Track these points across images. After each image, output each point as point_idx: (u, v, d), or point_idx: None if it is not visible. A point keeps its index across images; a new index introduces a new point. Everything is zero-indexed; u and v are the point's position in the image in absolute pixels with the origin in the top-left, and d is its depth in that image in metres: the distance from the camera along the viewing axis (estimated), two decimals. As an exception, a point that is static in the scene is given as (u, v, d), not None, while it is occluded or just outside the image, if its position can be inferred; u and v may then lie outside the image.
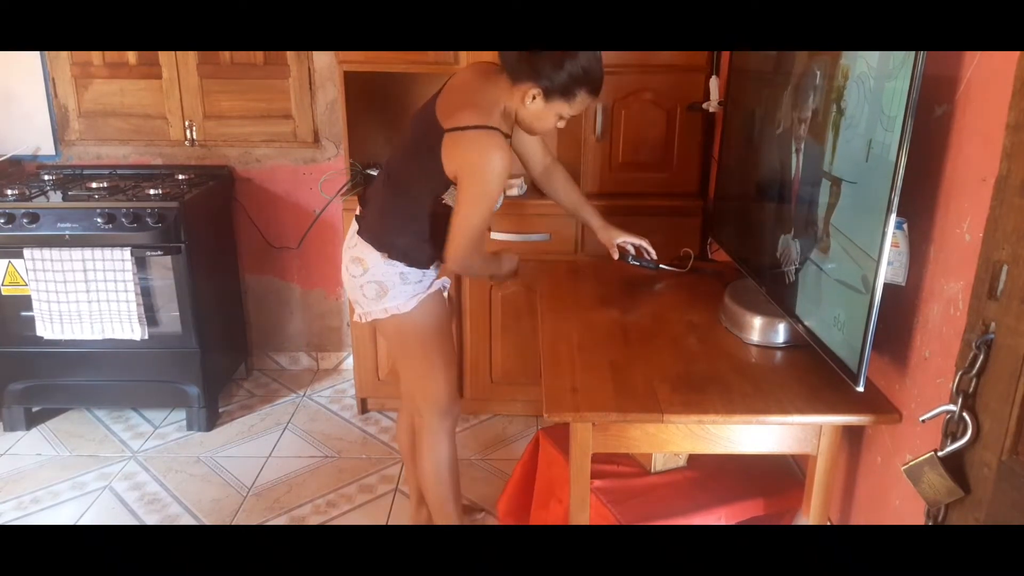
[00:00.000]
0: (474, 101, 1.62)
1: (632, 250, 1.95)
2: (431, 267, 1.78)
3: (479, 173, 1.58)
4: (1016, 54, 0.94)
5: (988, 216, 1.00)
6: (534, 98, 1.58)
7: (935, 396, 1.16)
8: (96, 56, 2.81)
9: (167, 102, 2.85)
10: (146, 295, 2.53)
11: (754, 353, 1.50)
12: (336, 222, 2.96)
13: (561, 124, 1.67)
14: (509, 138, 1.66)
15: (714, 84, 2.30)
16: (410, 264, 1.73)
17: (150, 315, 2.55)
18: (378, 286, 1.73)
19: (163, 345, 2.60)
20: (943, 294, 1.16)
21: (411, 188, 1.71)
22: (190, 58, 2.79)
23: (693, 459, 1.69)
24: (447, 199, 1.67)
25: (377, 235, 1.73)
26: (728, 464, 1.67)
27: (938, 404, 1.06)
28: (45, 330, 2.51)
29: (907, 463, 1.08)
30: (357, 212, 1.82)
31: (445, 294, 1.87)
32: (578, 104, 1.61)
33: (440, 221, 1.68)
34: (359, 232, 1.76)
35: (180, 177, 2.78)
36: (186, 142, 2.90)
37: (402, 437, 2.08)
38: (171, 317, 2.58)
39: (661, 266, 1.93)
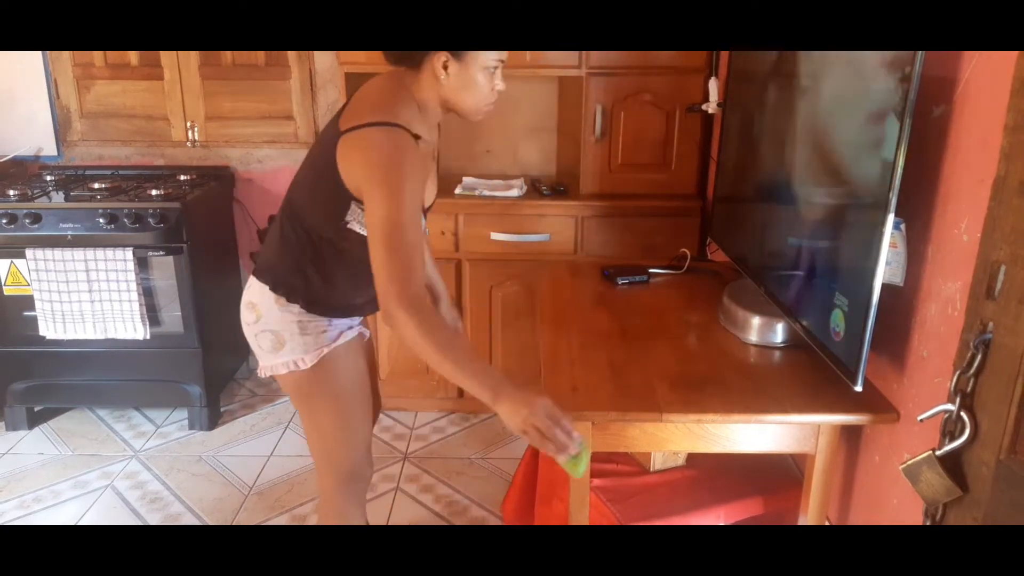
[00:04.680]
0: (375, 102, 1.37)
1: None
2: (340, 317, 1.51)
3: (383, 169, 1.27)
4: (1014, 54, 0.94)
5: (986, 216, 1.00)
6: (446, 66, 1.33)
7: (933, 395, 1.17)
8: (98, 57, 2.82)
9: (169, 103, 2.86)
10: (148, 295, 2.54)
11: (753, 353, 1.50)
12: (337, 222, 2.97)
13: (500, 85, 1.39)
14: (419, 139, 1.37)
15: (713, 85, 2.30)
16: (311, 311, 1.45)
17: (152, 315, 2.56)
18: (274, 336, 1.46)
19: (165, 345, 2.60)
20: (941, 294, 1.16)
21: (308, 213, 1.42)
22: (192, 59, 2.80)
23: (692, 458, 1.69)
24: (352, 222, 1.38)
25: (273, 273, 1.46)
26: (727, 463, 1.67)
27: (936, 403, 1.06)
28: (47, 330, 2.52)
29: (905, 462, 1.08)
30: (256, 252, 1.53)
31: (365, 339, 1.60)
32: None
33: (345, 254, 1.43)
34: (254, 272, 1.49)
35: (182, 178, 2.79)
36: (188, 143, 2.90)
37: None
38: (173, 317, 2.59)
39: (652, 269, 1.93)
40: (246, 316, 1.51)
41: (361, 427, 1.60)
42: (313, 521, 2.23)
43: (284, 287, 1.45)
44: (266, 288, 1.46)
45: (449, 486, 2.39)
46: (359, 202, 1.35)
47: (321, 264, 1.44)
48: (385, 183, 1.27)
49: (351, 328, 1.54)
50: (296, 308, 1.45)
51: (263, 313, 1.47)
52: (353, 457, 1.60)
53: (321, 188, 1.38)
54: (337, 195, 1.35)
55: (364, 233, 1.35)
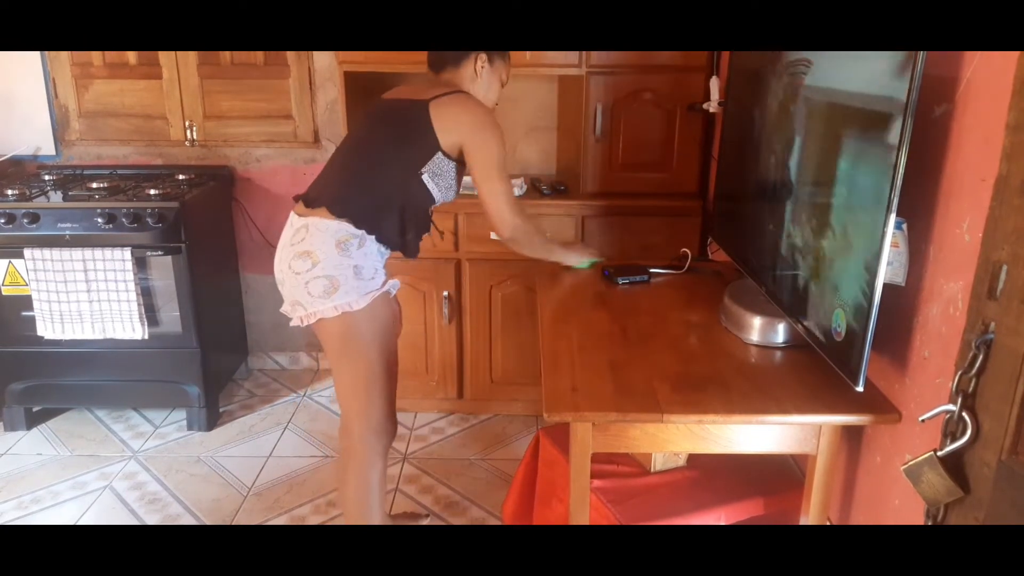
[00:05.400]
0: (439, 84, 1.73)
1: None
2: (384, 259, 1.72)
3: (488, 121, 1.67)
4: (1016, 54, 0.94)
5: (988, 216, 1.00)
6: (482, 65, 1.74)
7: (935, 396, 1.17)
8: (96, 56, 2.81)
9: (167, 102, 2.85)
10: (146, 295, 2.54)
11: (754, 353, 1.50)
12: (336, 222, 2.96)
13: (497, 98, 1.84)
14: None
15: (714, 84, 2.30)
16: (384, 242, 1.68)
17: (150, 315, 2.56)
18: (328, 281, 1.62)
19: (163, 345, 2.60)
20: (943, 294, 1.16)
21: (389, 164, 1.68)
22: (190, 58, 2.79)
23: (693, 459, 1.69)
24: (425, 174, 1.68)
25: (354, 212, 1.64)
26: (728, 464, 1.67)
27: (938, 404, 1.06)
28: (46, 330, 2.51)
29: (907, 463, 1.08)
30: (299, 210, 1.72)
31: (394, 294, 1.79)
32: (507, 63, 1.81)
33: (415, 198, 1.71)
34: (332, 211, 1.64)
35: (180, 177, 2.78)
36: (186, 142, 2.90)
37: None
38: (171, 317, 2.58)
39: (652, 269, 1.93)
40: (297, 265, 1.64)
41: (390, 378, 1.77)
42: (313, 521, 2.23)
43: (367, 223, 1.65)
44: (327, 235, 1.63)
45: (449, 486, 2.39)
46: (446, 155, 1.68)
47: (397, 201, 1.69)
48: (495, 129, 1.68)
49: (391, 280, 1.75)
50: (354, 253, 1.63)
51: (320, 259, 1.62)
52: (383, 407, 1.76)
53: (406, 145, 1.67)
54: (424, 149, 1.66)
55: (430, 186, 1.70)
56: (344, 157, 1.76)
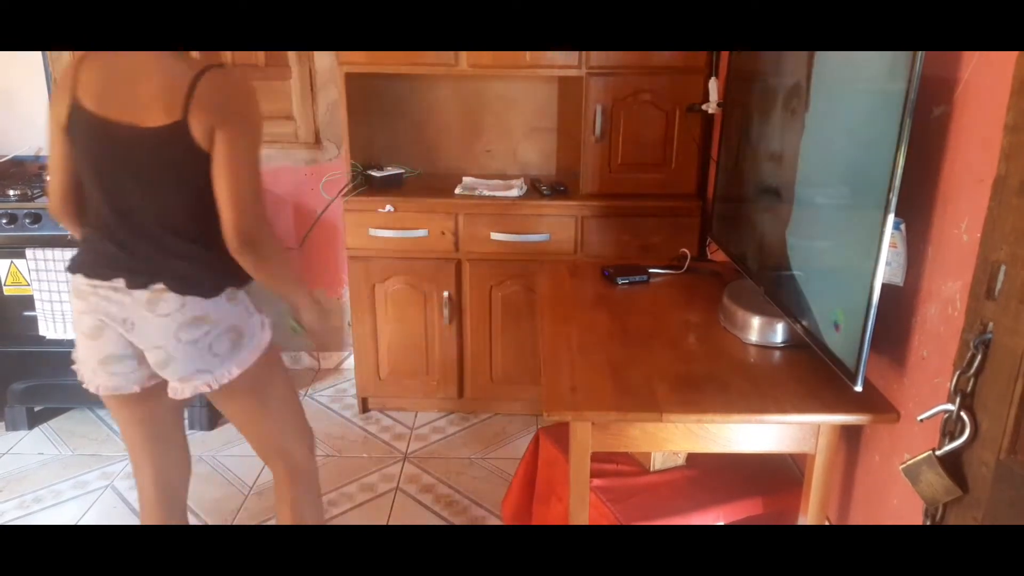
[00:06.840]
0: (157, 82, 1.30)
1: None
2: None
3: (253, 100, 1.37)
4: (1014, 54, 0.94)
5: (986, 216, 1.00)
6: None
7: (933, 396, 1.17)
8: (98, 57, 2.82)
9: (168, 103, 2.85)
10: (147, 295, 2.54)
11: (753, 353, 1.50)
12: (337, 222, 2.97)
13: None
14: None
15: (713, 85, 2.30)
16: (238, 285, 1.47)
17: (151, 315, 2.56)
18: (233, 333, 1.45)
19: (164, 345, 2.60)
20: (941, 294, 1.16)
21: (176, 207, 1.39)
22: (191, 59, 2.80)
23: (692, 458, 1.69)
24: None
25: (202, 281, 1.41)
26: (727, 463, 1.67)
27: (936, 404, 1.06)
28: (47, 330, 2.52)
29: (905, 462, 1.08)
30: (106, 285, 1.42)
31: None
32: None
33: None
34: (195, 293, 1.40)
35: (181, 177, 2.78)
36: (187, 142, 2.90)
37: None
38: (172, 317, 2.59)
39: (652, 269, 1.93)
40: (192, 334, 1.41)
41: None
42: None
43: (230, 280, 1.45)
44: (207, 298, 1.41)
45: (449, 486, 2.39)
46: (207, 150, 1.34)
47: (219, 241, 1.39)
48: (246, 116, 1.38)
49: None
50: (241, 293, 1.49)
51: (216, 318, 1.43)
52: (304, 419, 1.72)
53: (172, 175, 1.37)
54: (197, 175, 1.35)
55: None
56: (124, 216, 1.42)
